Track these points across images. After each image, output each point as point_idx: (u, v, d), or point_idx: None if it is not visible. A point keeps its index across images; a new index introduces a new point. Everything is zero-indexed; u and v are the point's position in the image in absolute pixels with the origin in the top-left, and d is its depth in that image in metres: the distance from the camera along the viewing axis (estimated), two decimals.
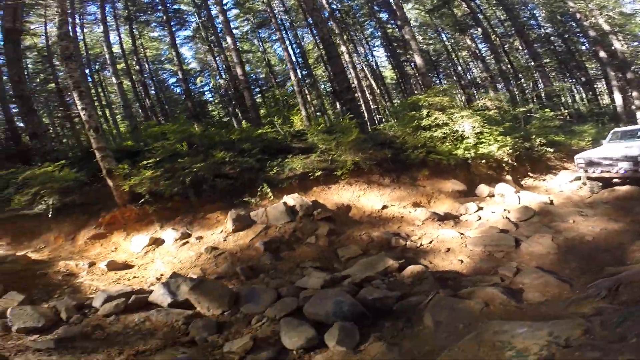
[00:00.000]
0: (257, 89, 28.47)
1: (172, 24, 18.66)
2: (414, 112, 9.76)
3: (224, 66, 17.88)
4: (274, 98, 23.98)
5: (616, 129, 9.66)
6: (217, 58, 19.40)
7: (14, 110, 13.71)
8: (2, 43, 10.59)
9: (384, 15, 22.49)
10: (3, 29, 9.45)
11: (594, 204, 6.76)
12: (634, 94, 16.34)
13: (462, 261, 4.97)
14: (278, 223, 5.97)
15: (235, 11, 22.50)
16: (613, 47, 17.12)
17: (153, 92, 22.49)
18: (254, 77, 28.60)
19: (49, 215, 6.17)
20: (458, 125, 8.95)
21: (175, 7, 19.52)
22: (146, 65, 22.02)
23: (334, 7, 21.49)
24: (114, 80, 15.91)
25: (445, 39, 26.97)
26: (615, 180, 7.71)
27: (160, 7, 17.71)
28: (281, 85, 24.36)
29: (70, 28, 10.11)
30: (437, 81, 29.60)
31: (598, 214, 6.01)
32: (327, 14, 16.81)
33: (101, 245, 6.13)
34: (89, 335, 3.49)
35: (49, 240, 6.18)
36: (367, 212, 6.80)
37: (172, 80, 25.63)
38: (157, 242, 5.98)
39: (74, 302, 4.05)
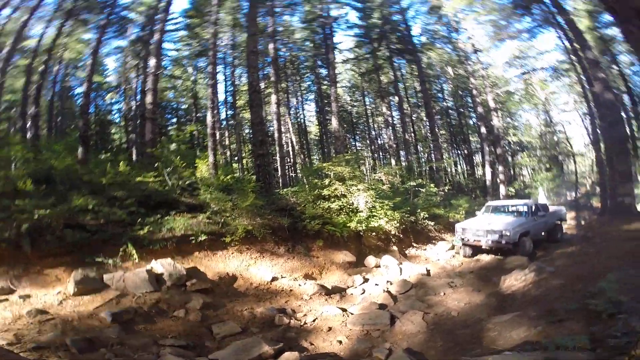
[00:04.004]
0: (175, 119, 26.41)
1: (109, 29, 16.21)
2: (317, 181, 10.09)
3: (142, 88, 15.89)
4: (190, 134, 22.38)
5: (489, 203, 11.57)
6: (140, 77, 17.28)
7: None
8: None
9: (323, 71, 23.45)
10: None
11: (463, 273, 7.73)
12: (500, 168, 18.86)
13: (341, 342, 4.76)
14: (137, 292, 4.89)
15: (183, 32, 20.94)
16: (492, 123, 19.54)
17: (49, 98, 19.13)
18: (175, 105, 26.65)
19: None
20: (354, 198, 9.49)
21: (124, 13, 17.05)
22: (55, 68, 18.72)
23: (281, 53, 21.52)
24: None
25: (368, 103, 29.16)
26: (484, 247, 9.04)
27: (108, 9, 15.21)
28: (202, 121, 22.86)
29: None
30: (354, 142, 32.12)
31: (465, 284, 6.80)
32: (270, 59, 16.51)
33: None
34: None
35: None
36: (254, 284, 6.21)
37: (80, 89, 22.15)
38: None
39: None
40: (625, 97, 20.26)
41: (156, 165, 8.09)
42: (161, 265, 5.33)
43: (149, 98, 11.41)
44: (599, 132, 16.94)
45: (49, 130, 20.19)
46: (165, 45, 19.10)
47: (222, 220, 7.07)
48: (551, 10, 14.36)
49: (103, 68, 25.78)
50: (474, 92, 20.17)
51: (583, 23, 18.15)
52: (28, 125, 15.73)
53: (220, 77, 22.54)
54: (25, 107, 15.92)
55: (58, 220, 5.44)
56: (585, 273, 5.19)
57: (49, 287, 4.96)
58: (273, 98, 16.11)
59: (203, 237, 6.36)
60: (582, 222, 15.29)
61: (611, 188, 12.95)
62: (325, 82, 23.44)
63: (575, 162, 26.63)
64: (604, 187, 15.61)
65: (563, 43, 16.38)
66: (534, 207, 9.69)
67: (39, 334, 3.94)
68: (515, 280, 5.73)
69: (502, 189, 18.08)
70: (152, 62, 11.67)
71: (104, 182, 6.63)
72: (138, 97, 17.95)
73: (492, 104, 19.13)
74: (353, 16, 27.50)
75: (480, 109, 20.04)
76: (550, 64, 19.39)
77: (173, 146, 8.94)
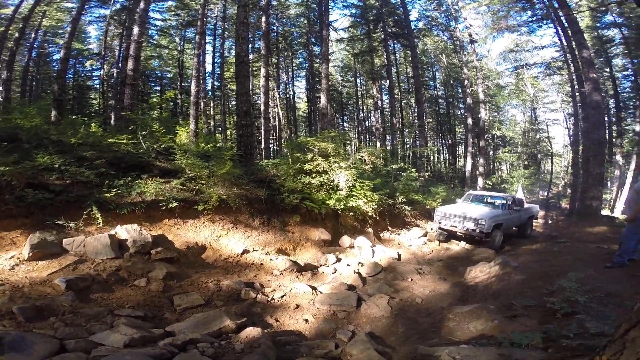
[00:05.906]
0: (159, 87, 25.82)
1: None
2: (300, 155, 9.87)
3: (124, 55, 15.37)
4: (173, 101, 21.77)
5: (470, 192, 11.98)
6: (123, 45, 16.70)
7: None
8: None
9: (316, 49, 23.13)
10: None
11: (432, 261, 7.93)
12: (481, 160, 19.36)
13: (307, 320, 4.78)
14: (97, 258, 4.69)
15: (171, 2, 20.74)
16: (479, 115, 19.91)
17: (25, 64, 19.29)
18: (159, 73, 25.97)
19: None
20: (335, 175, 9.38)
21: None
22: (34, 35, 18.56)
23: (274, 28, 21.13)
24: None
25: (359, 84, 28.94)
26: (459, 233, 9.31)
27: None
28: (187, 91, 22.33)
29: None
30: (342, 122, 31.84)
31: (432, 272, 7.00)
32: (261, 33, 16.05)
33: None
34: None
35: None
36: (224, 256, 6.11)
37: (58, 56, 21.72)
38: None
39: None
40: (612, 102, 20.67)
41: (131, 128, 7.68)
42: (126, 231, 5.12)
43: (130, 65, 10.92)
44: (579, 134, 17.40)
45: (22, 94, 19.30)
46: (151, 15, 18.64)
47: (197, 187, 6.82)
48: (553, 4, 14.16)
49: (85, 35, 24.59)
50: (465, 82, 20.05)
51: (584, 22, 18.07)
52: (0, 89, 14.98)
53: (209, 48, 21.90)
54: None
55: (19, 179, 5.10)
56: (547, 271, 5.35)
57: (3, 251, 4.68)
58: (262, 71, 15.52)
59: (174, 204, 6.12)
60: (550, 222, 15.99)
61: (582, 191, 13.37)
62: (318, 60, 22.90)
63: (552, 162, 27.53)
64: (575, 189, 16.25)
65: (560, 40, 16.41)
66: (511, 201, 10.05)
67: None
68: (480, 272, 5.88)
69: (480, 181, 18.50)
70: (135, 30, 11.01)
71: (73, 142, 6.23)
72: (120, 64, 17.21)
73: (481, 96, 19.16)
74: None
75: (469, 100, 20.03)
76: (544, 60, 19.40)
77: (154, 113, 8.53)
